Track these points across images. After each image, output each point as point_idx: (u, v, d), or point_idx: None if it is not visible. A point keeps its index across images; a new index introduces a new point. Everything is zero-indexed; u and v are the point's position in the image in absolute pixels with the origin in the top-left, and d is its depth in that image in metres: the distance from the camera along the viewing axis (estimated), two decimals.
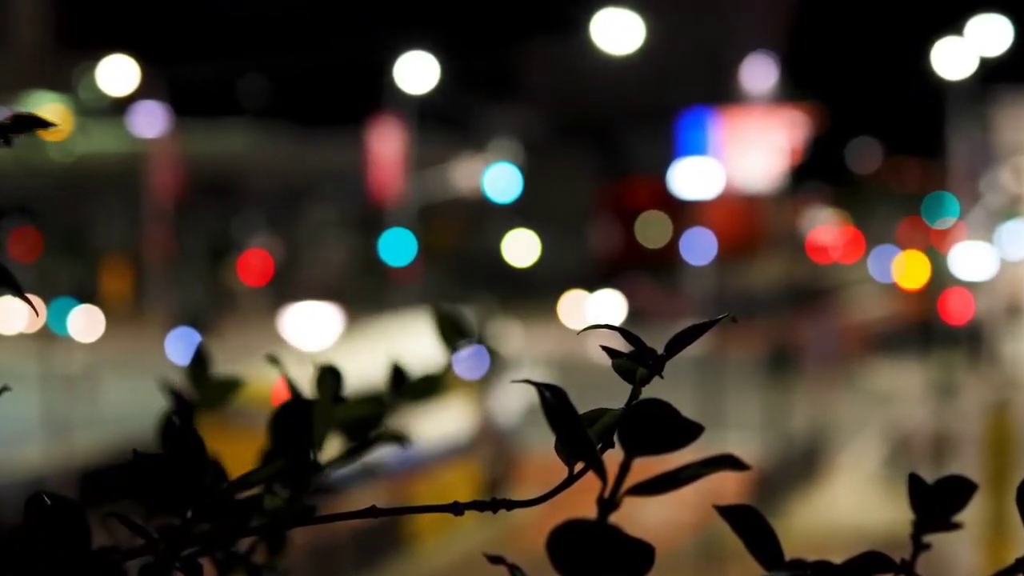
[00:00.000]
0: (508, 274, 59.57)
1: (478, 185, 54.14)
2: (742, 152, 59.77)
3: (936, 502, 1.37)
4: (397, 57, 45.76)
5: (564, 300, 50.93)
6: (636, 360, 1.35)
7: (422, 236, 54.18)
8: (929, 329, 41.85)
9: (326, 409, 1.78)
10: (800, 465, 31.60)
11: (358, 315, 45.51)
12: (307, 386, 1.83)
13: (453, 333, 2.05)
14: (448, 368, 2.05)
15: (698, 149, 58.92)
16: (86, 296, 45.14)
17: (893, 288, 61.18)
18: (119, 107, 55.08)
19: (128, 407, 31.90)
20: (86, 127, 59.57)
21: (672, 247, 59.65)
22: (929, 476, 1.37)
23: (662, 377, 1.36)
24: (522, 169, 55.33)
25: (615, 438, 1.32)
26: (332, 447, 1.86)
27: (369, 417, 1.94)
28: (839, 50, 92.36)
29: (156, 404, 1.95)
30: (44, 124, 1.42)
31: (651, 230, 71.67)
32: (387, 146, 56.15)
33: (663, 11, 51.98)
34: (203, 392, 1.98)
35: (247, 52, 69.69)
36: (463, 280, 60.10)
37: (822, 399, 36.95)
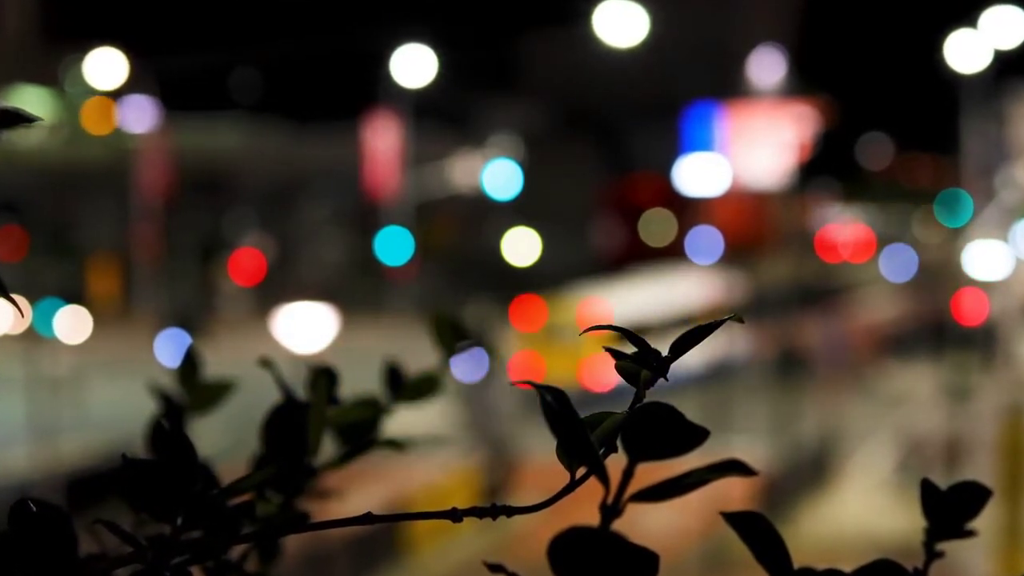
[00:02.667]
0: (508, 274, 59.53)
1: (477, 182, 54.15)
2: (749, 148, 59.78)
3: (949, 509, 1.37)
4: (393, 50, 45.75)
5: None
6: (640, 362, 1.35)
7: (419, 235, 54.20)
8: (942, 330, 41.87)
9: (320, 412, 1.78)
10: (809, 470, 31.61)
11: (353, 316, 45.52)
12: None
13: (451, 335, 2.06)
14: (445, 369, 2.06)
15: (704, 145, 58.97)
16: (73, 296, 45.13)
17: (908, 288, 61.22)
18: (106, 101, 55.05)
19: (116, 411, 31.92)
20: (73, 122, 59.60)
21: (677, 246, 59.68)
22: (942, 482, 1.37)
23: (667, 380, 1.36)
24: (522, 165, 55.35)
25: (618, 443, 1.32)
26: (326, 451, 1.86)
27: (365, 420, 1.94)
28: (850, 43, 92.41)
29: (145, 408, 1.95)
30: (29, 119, 1.42)
31: (656, 228, 71.68)
32: (383, 141, 56.14)
33: (668, 2, 51.99)
34: (193, 395, 1.98)
35: (239, 44, 69.71)
36: (461, 280, 60.10)
37: (832, 402, 36.96)
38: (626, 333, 1.38)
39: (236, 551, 1.72)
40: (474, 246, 66.04)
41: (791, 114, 62.12)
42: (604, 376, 33.11)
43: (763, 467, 27.14)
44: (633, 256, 68.88)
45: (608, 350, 1.39)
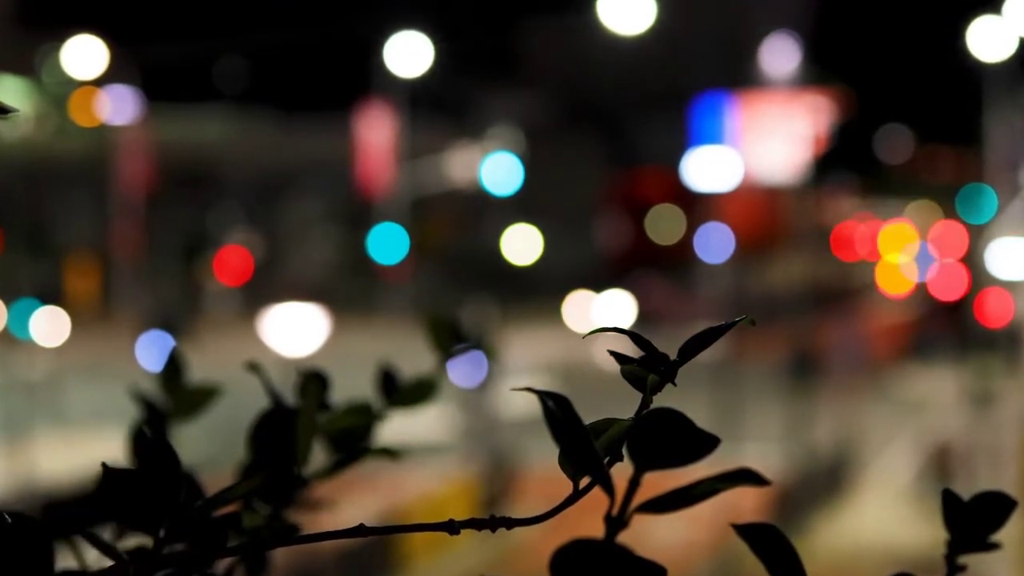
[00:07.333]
0: (508, 273, 59.58)
1: (475, 176, 54.15)
2: (762, 140, 59.79)
3: (972, 520, 1.37)
4: (388, 37, 45.76)
5: (569, 301, 50.98)
6: (647, 366, 1.36)
7: (414, 232, 54.22)
8: (964, 333, 41.90)
9: (310, 419, 1.78)
10: (825, 480, 31.61)
11: (345, 317, 45.54)
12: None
13: (448, 337, 2.06)
14: (442, 373, 2.06)
15: (714, 137, 58.94)
16: (50, 297, 45.16)
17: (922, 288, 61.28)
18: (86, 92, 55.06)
19: (96, 416, 31.93)
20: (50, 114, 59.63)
21: (686, 243, 59.63)
22: (964, 491, 1.37)
23: (675, 384, 1.36)
24: (523, 159, 55.33)
25: (624, 451, 1.32)
26: (317, 460, 1.86)
27: (357, 427, 1.94)
28: (867, 29, 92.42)
29: (126, 414, 1.95)
30: (4, 111, 1.43)
31: (663, 225, 71.69)
32: (376, 134, 56.16)
33: None
34: (177, 401, 1.98)
35: (225, 32, 69.72)
36: (459, 280, 60.12)
37: (848, 408, 36.97)
38: (632, 336, 1.38)
39: (222, 565, 1.72)
40: (472, 244, 66.09)
41: (806, 105, 62.12)
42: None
43: (776, 476, 27.14)
44: (639, 254, 68.93)
45: (612, 353, 1.39)
